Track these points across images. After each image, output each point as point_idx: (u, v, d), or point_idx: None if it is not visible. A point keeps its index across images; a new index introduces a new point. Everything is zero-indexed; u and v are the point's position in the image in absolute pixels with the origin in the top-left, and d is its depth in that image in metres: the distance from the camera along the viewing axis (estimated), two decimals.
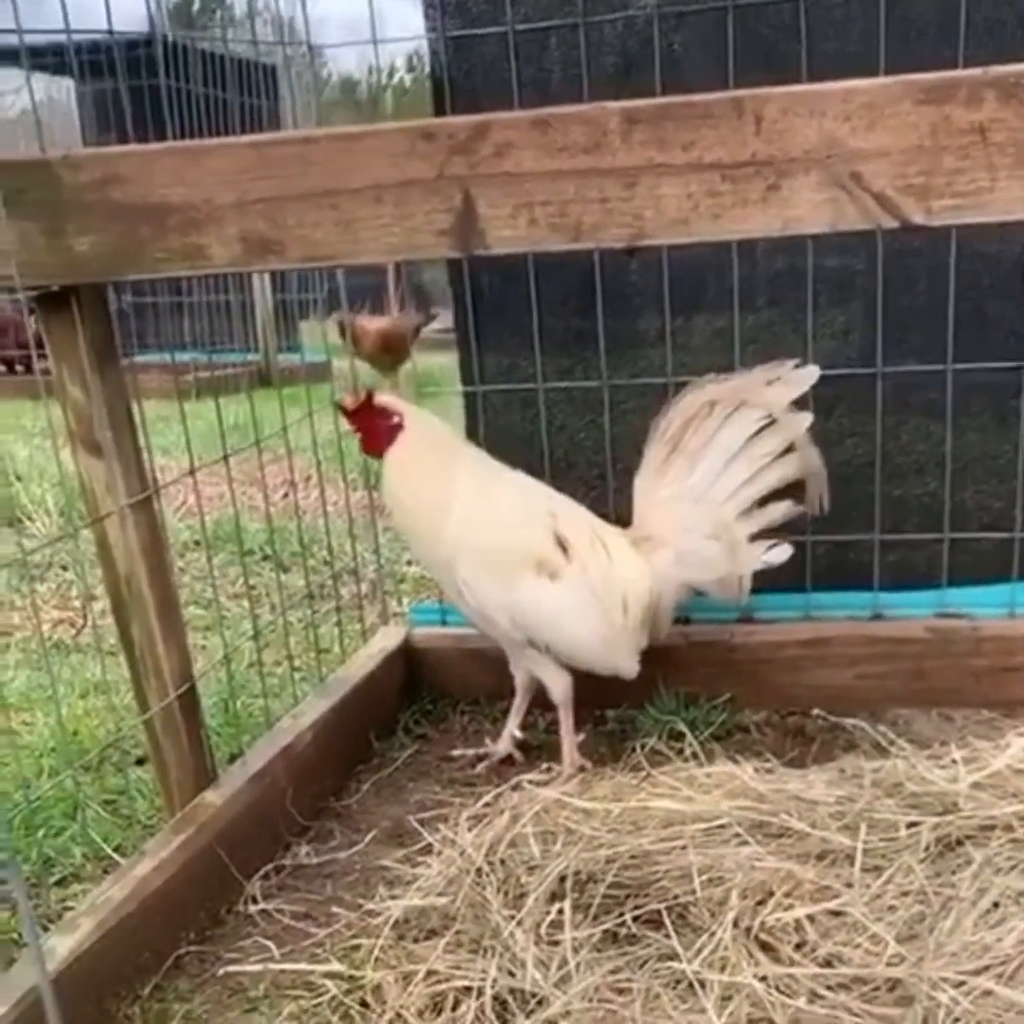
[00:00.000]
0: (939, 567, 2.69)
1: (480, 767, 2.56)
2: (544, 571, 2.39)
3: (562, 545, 2.40)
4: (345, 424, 2.47)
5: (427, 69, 2.69)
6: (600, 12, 2.55)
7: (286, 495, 4.66)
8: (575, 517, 2.49)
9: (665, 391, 2.55)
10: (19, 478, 4.90)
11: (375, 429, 2.42)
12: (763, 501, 2.43)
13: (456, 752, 2.62)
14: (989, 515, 2.69)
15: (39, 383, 2.06)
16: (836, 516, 2.61)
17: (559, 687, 2.48)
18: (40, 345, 2.01)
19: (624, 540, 2.48)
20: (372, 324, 5.47)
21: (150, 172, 1.76)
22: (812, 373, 2.36)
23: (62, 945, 1.76)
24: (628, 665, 2.47)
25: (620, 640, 2.44)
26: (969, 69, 1.55)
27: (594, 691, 2.59)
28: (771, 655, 2.70)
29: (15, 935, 2.09)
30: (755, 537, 2.44)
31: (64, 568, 3.96)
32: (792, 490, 2.43)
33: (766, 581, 2.54)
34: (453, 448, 2.50)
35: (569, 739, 2.48)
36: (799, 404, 2.38)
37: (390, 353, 5.57)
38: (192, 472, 2.30)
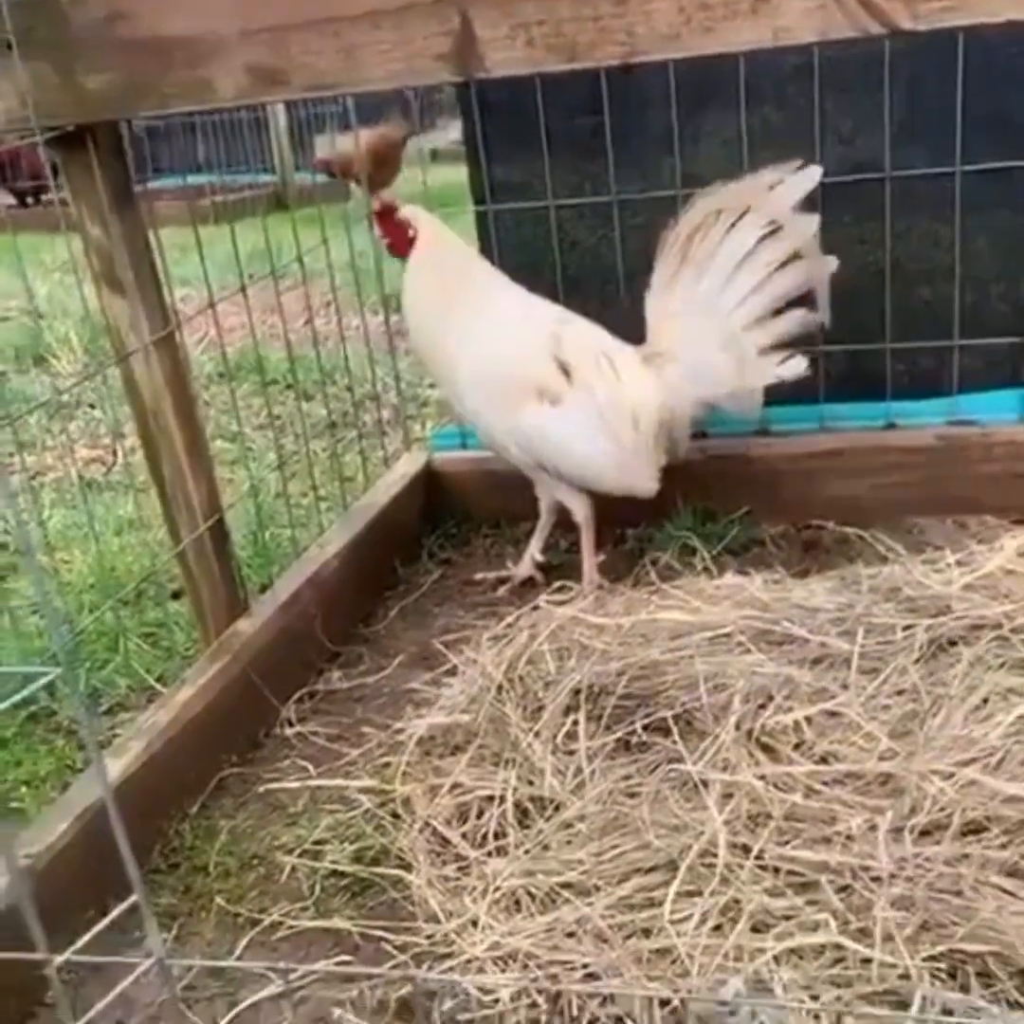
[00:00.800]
0: (950, 374, 2.70)
1: (502, 590, 2.63)
2: (545, 397, 2.42)
3: (564, 369, 2.42)
4: (376, 229, 2.51)
5: None
6: None
7: (307, 322, 4.66)
8: (581, 338, 2.48)
9: (675, 203, 2.52)
10: (41, 316, 4.90)
11: (398, 236, 2.48)
12: (776, 312, 2.41)
13: (479, 575, 2.70)
14: (1000, 320, 2.68)
15: (57, 214, 2.09)
16: (848, 326, 2.63)
17: (580, 508, 2.53)
18: (55, 173, 2.04)
19: (635, 357, 2.48)
20: (359, 144, 5.34)
21: (154, 6, 1.77)
22: (814, 173, 2.32)
23: (113, 767, 1.87)
24: (644, 485, 2.49)
25: (632, 461, 2.46)
26: None
27: (615, 510, 2.64)
28: (787, 467, 2.73)
29: (69, 761, 2.21)
30: (768, 350, 2.43)
31: (92, 406, 4.01)
32: (804, 301, 2.42)
33: (781, 393, 2.56)
34: (463, 263, 2.52)
35: (589, 559, 2.54)
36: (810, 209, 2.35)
37: (384, 167, 5.45)
38: (212, 306, 2.33)
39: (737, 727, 1.72)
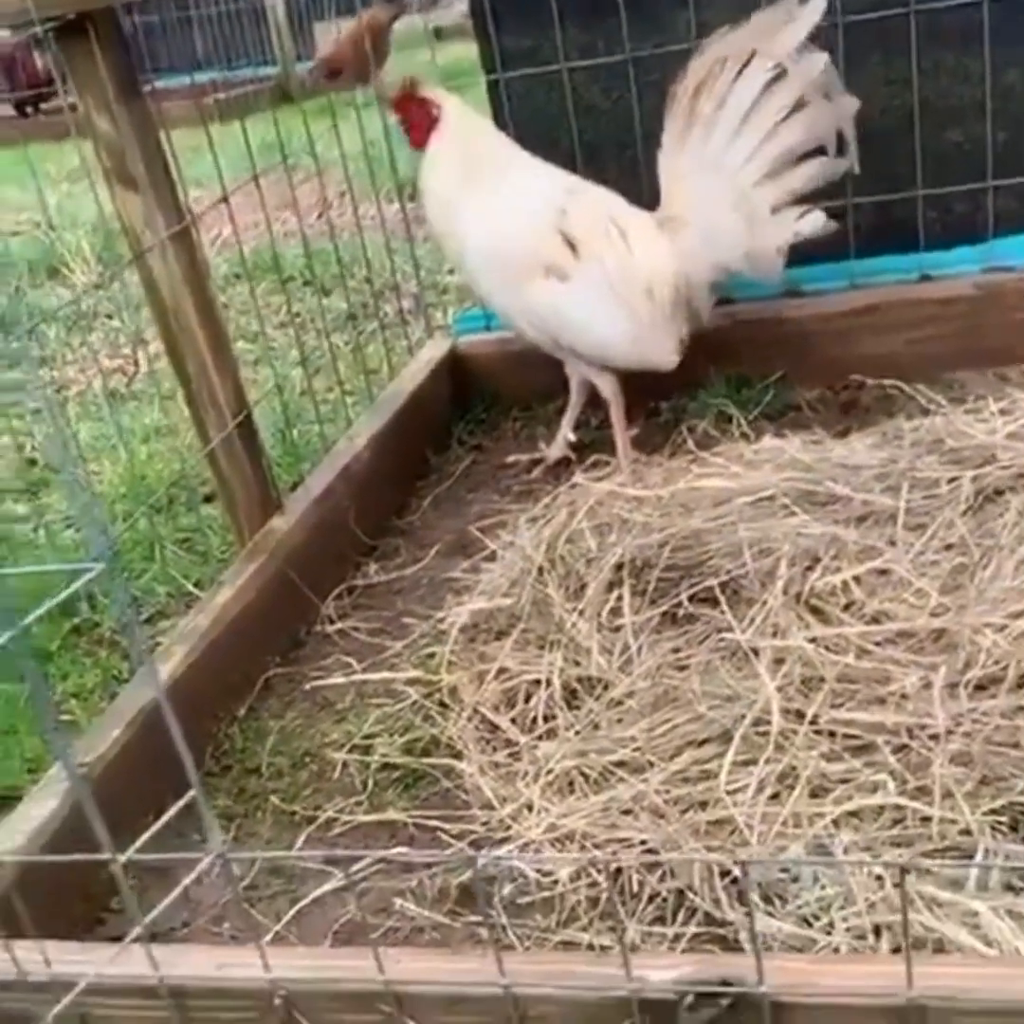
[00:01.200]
0: (986, 219, 2.60)
1: (536, 472, 2.59)
2: (552, 273, 2.36)
3: (571, 243, 2.35)
4: (391, 117, 2.46)
5: None
6: None
7: (320, 215, 4.58)
8: (590, 208, 2.40)
9: (691, 57, 2.40)
10: (53, 227, 4.82)
11: (417, 120, 2.40)
12: (792, 164, 2.30)
13: (511, 458, 2.65)
14: None
15: (63, 120, 2.03)
16: (877, 175, 2.52)
17: (605, 383, 2.47)
18: (50, 82, 1.98)
19: (649, 224, 2.40)
20: (343, 39, 5.16)
21: None
22: (818, 6, 2.21)
23: (160, 672, 1.86)
24: (664, 357, 2.42)
25: (649, 332, 2.39)
26: None
27: (647, 382, 2.57)
28: (820, 328, 2.66)
29: (115, 672, 2.21)
30: (785, 205, 2.33)
31: (109, 316, 3.96)
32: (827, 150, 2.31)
33: (810, 252, 2.48)
34: (486, 142, 2.45)
35: (621, 434, 2.48)
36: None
37: (375, 53, 5.25)
38: (225, 199, 2.26)
39: (785, 591, 1.68)
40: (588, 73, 2.70)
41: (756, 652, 1.65)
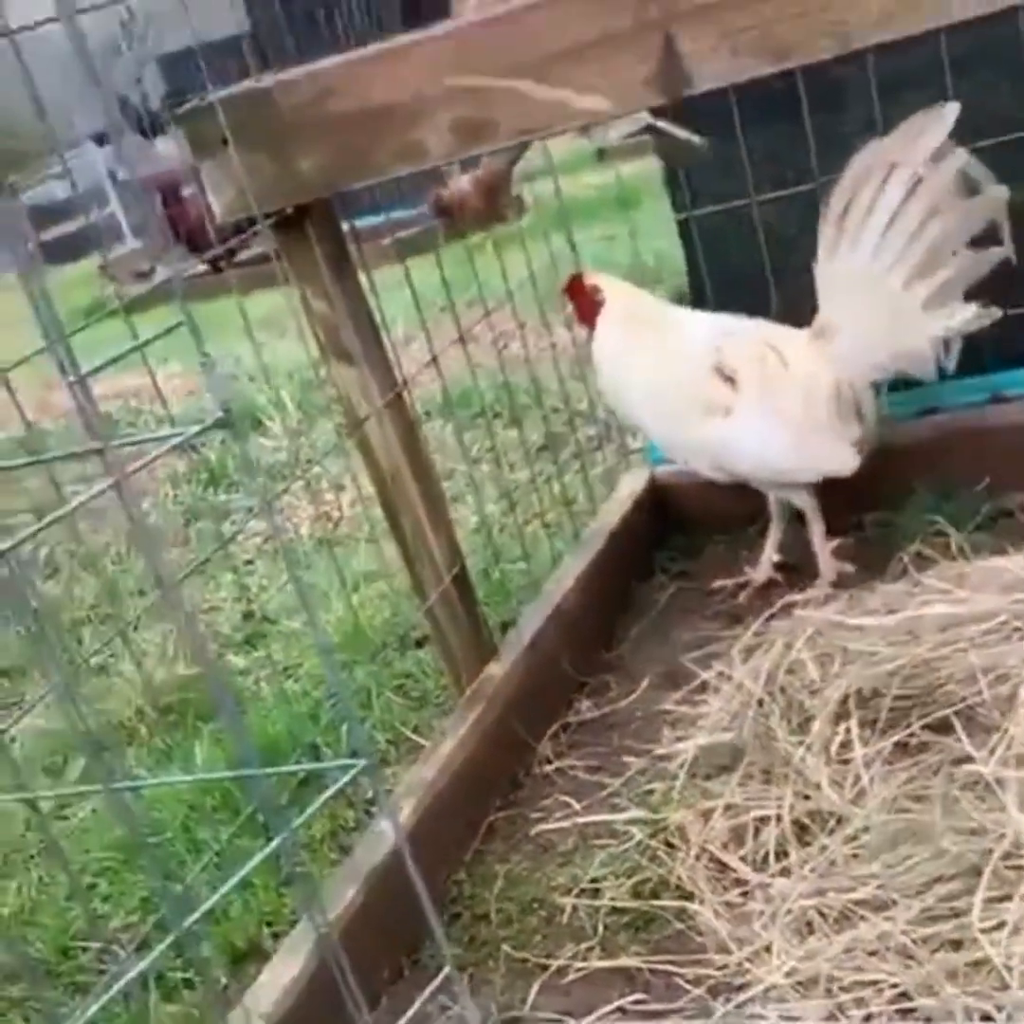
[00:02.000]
0: None
1: (742, 596, 2.56)
2: (715, 411, 2.43)
3: (729, 378, 2.42)
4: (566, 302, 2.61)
5: None
6: None
7: (506, 346, 4.66)
8: (745, 341, 2.47)
9: None
10: (251, 378, 5.01)
11: (585, 305, 2.56)
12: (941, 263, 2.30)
13: (717, 584, 2.63)
14: None
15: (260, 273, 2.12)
16: None
17: (801, 500, 2.49)
18: (238, 231, 2.08)
19: (802, 338, 2.45)
20: (465, 186, 5.25)
21: (359, 80, 1.82)
22: (951, 111, 2.19)
23: (388, 828, 1.89)
24: (841, 462, 2.42)
25: (816, 441, 2.42)
26: None
27: (849, 497, 2.55)
28: None
29: (342, 821, 2.25)
30: (939, 301, 2.31)
31: (310, 462, 4.10)
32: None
33: (1014, 356, 2.42)
34: (644, 309, 2.57)
35: (823, 551, 2.48)
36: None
37: (492, 202, 5.36)
38: (434, 360, 2.35)
39: None
40: (783, 204, 2.70)
41: (1001, 782, 1.58)
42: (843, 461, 2.42)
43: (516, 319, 3.26)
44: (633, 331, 2.53)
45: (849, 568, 2.47)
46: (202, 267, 8.91)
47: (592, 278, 2.57)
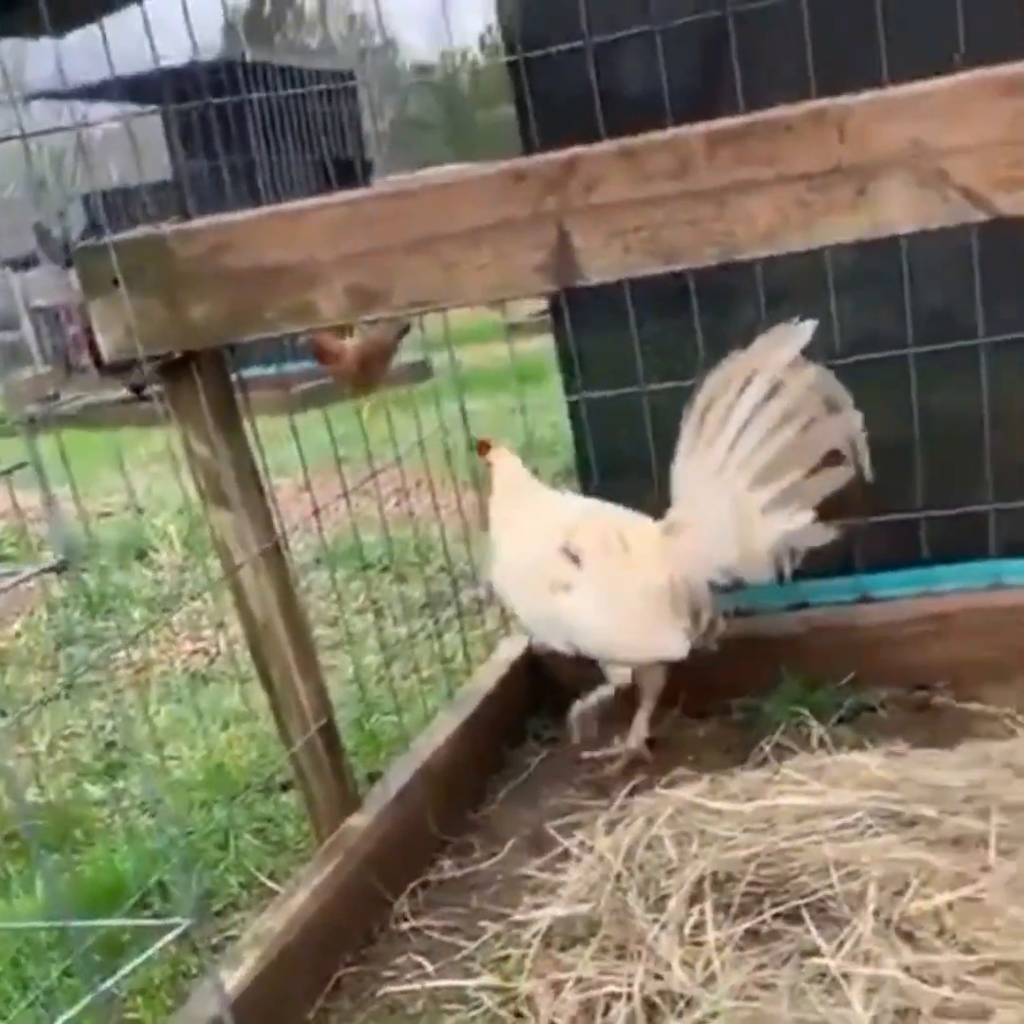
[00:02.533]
0: None
1: (614, 767, 2.60)
2: (558, 587, 2.55)
3: (575, 557, 2.55)
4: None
5: (501, 48, 2.73)
6: (677, 15, 2.56)
7: (398, 503, 4.74)
8: (597, 525, 2.60)
9: None
10: (141, 510, 5.02)
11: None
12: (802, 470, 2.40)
13: (586, 755, 2.66)
14: None
15: (155, 409, 2.14)
16: (948, 487, 2.62)
17: (644, 676, 2.60)
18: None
19: (652, 531, 2.56)
20: (350, 346, 5.36)
21: (257, 237, 1.85)
22: (808, 327, 2.32)
23: (230, 979, 1.85)
24: (672, 648, 2.52)
25: (648, 628, 2.53)
26: None
27: (718, 682, 2.66)
28: (892, 634, 2.69)
29: (183, 967, 2.19)
30: (780, 506, 2.41)
31: (193, 598, 4.08)
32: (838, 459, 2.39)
33: (882, 559, 2.55)
34: (518, 485, 2.71)
35: (643, 726, 2.62)
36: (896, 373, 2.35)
37: (369, 370, 5.52)
38: (316, 512, 2.39)
39: (875, 916, 1.66)
40: (669, 394, 2.81)
41: (847, 977, 1.61)
42: (674, 648, 2.52)
43: (402, 479, 3.34)
44: (507, 504, 2.69)
45: (646, 756, 2.61)
46: (125, 392, 8.95)
47: (489, 445, 2.72)
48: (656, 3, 2.57)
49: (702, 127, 1.65)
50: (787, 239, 1.66)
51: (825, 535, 2.41)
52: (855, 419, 2.35)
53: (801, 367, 2.35)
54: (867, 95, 1.61)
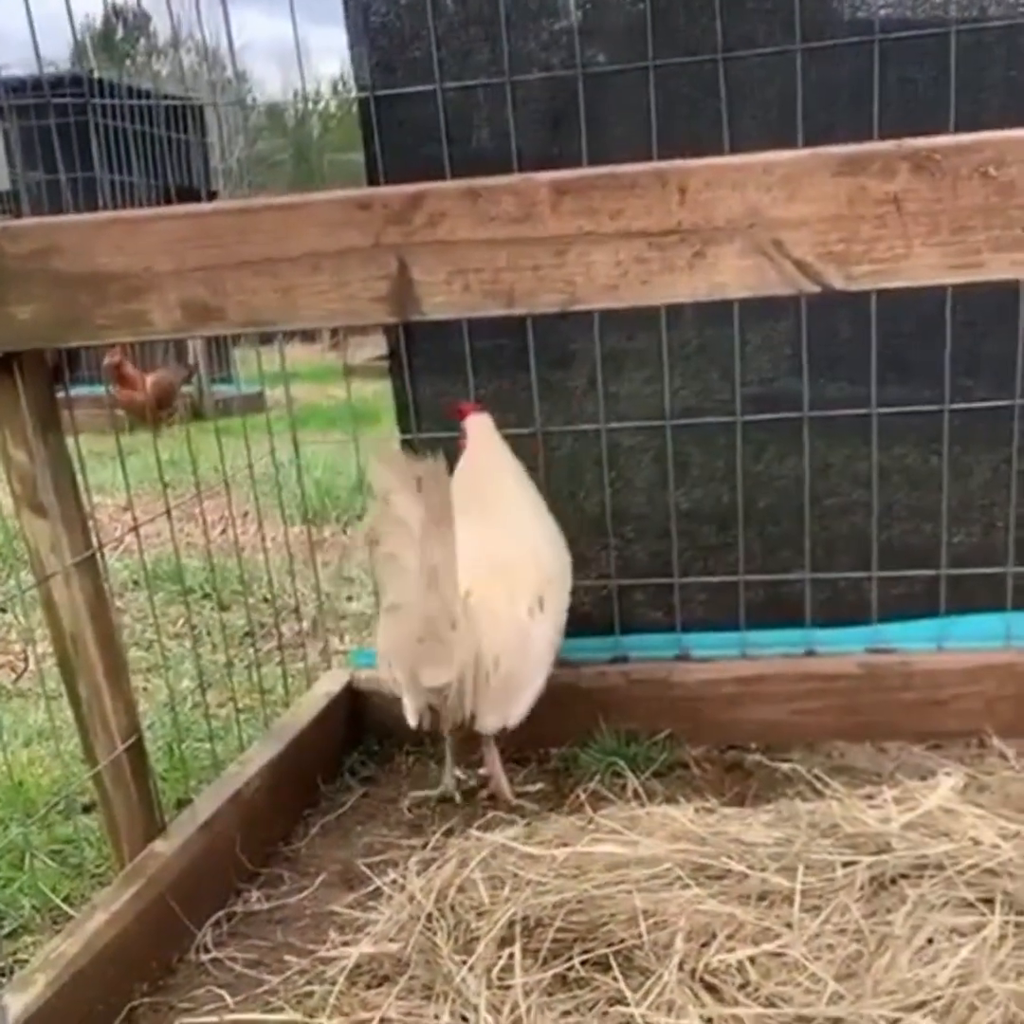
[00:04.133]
0: (869, 603, 2.78)
1: (425, 807, 2.60)
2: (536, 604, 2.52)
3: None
4: None
5: (352, 94, 2.75)
6: (528, 70, 2.61)
7: (223, 531, 4.68)
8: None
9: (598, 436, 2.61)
10: None
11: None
12: None
13: (416, 794, 2.66)
14: (915, 552, 2.78)
15: None
16: (769, 555, 2.73)
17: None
18: None
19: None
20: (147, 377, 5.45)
21: (90, 242, 1.79)
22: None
23: (16, 1003, 1.77)
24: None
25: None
26: (882, 142, 1.62)
27: (538, 729, 2.66)
28: (709, 692, 2.76)
29: None
30: None
31: (2, 610, 3.94)
32: None
33: (702, 619, 2.63)
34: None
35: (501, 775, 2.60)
36: (726, 441, 2.45)
37: (162, 405, 5.61)
38: (136, 529, 2.34)
39: (680, 967, 1.69)
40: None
41: None
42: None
43: (229, 507, 3.30)
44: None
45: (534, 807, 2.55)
46: None
47: (471, 414, 2.65)
48: (509, 56, 2.62)
49: (548, 175, 1.68)
50: (626, 293, 1.68)
51: None
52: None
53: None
54: (709, 160, 1.65)
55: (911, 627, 2.77)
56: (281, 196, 1.79)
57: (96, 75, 9.51)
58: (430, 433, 2.85)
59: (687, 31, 2.55)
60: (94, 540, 2.11)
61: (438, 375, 2.85)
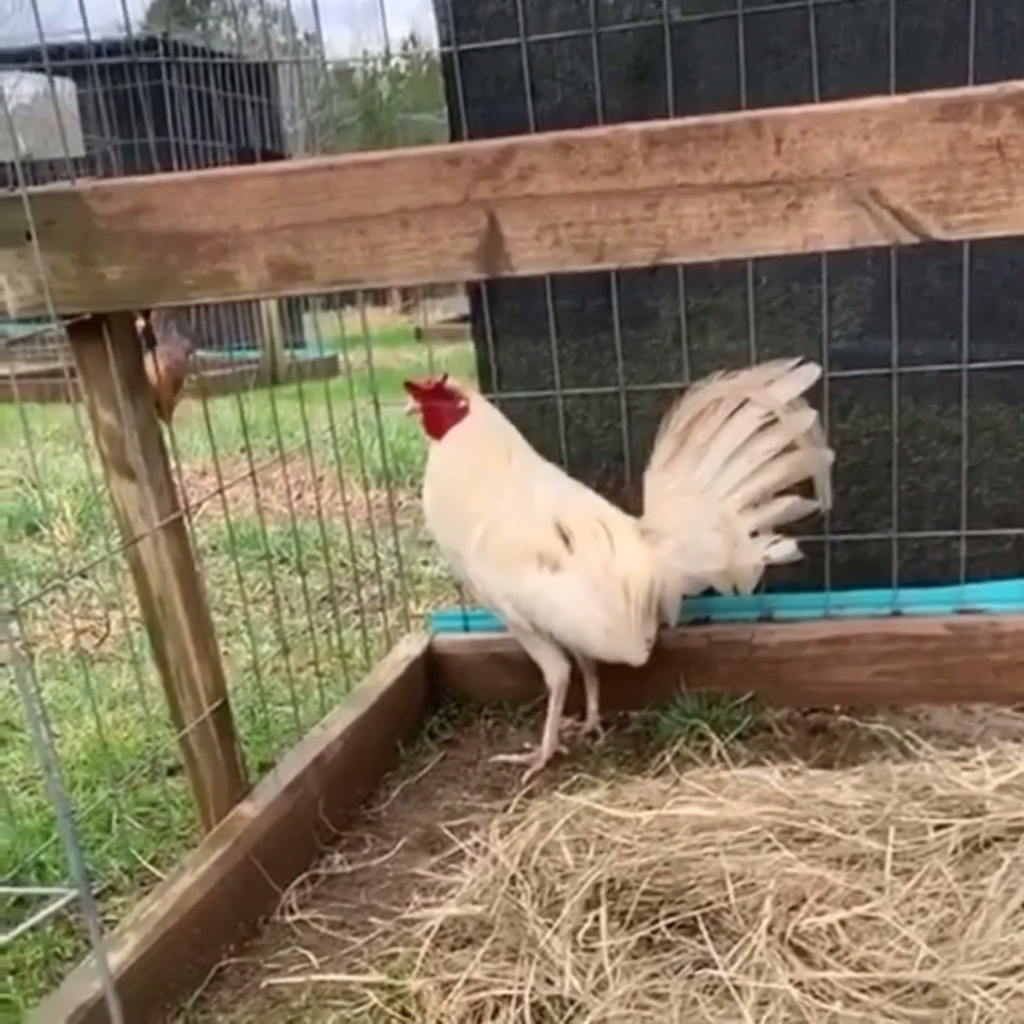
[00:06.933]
0: (957, 563, 2.72)
1: (528, 774, 2.58)
2: (546, 563, 2.49)
3: (565, 536, 2.50)
4: (410, 403, 2.54)
5: (423, 55, 2.73)
6: (612, 22, 2.56)
7: (299, 496, 4.71)
8: (585, 509, 2.56)
9: (680, 396, 2.57)
10: (35, 485, 4.90)
11: (440, 411, 2.53)
12: (770, 496, 2.48)
13: (500, 758, 2.66)
14: (1004, 511, 2.71)
15: (44, 384, 2.07)
16: (854, 514, 2.69)
17: (555, 674, 2.60)
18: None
19: (633, 530, 2.55)
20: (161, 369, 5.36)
21: (179, 201, 1.78)
22: (812, 372, 2.40)
23: (109, 961, 1.80)
24: (635, 653, 2.54)
25: (622, 628, 2.52)
26: (984, 86, 1.56)
27: (617, 692, 2.68)
28: (792, 654, 2.72)
29: (57, 949, 2.13)
30: (762, 531, 2.50)
31: (83, 576, 3.98)
32: (800, 486, 2.48)
33: (785, 580, 2.59)
34: (506, 441, 2.57)
35: (553, 727, 2.61)
36: (811, 400, 2.42)
37: (177, 391, 5.51)
38: (221, 491, 2.34)
39: (769, 930, 1.66)
40: (581, 399, 2.83)
41: (739, 990, 1.61)
42: (637, 653, 2.54)
43: (312, 470, 3.30)
44: (484, 454, 2.54)
45: (564, 749, 2.63)
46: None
47: (458, 386, 2.54)
48: (593, 7, 2.57)
49: (640, 126, 1.64)
50: (718, 246, 1.66)
51: (795, 555, 2.49)
52: (828, 456, 2.44)
53: (800, 408, 2.41)
54: (806, 108, 1.61)
55: (999, 588, 2.71)
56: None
57: (170, 37, 9.51)
58: (512, 393, 2.83)
59: None
60: (181, 502, 2.11)
61: (520, 336, 2.81)
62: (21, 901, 2.23)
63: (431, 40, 2.67)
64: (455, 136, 2.69)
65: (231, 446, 4.60)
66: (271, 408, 2.44)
